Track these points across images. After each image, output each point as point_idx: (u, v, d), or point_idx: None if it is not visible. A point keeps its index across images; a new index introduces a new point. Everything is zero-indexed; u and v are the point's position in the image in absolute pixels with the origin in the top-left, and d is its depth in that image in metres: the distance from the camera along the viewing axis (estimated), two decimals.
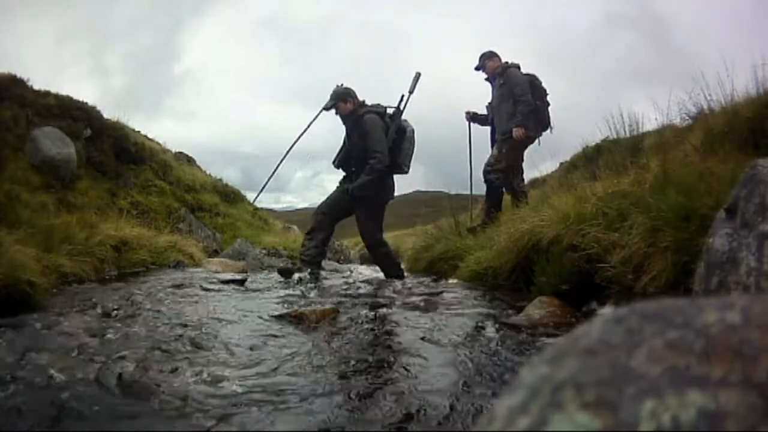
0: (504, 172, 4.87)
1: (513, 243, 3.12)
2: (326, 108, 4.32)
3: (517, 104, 4.76)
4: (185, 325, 2.10)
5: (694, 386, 0.31)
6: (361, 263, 8.98)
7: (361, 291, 3.29)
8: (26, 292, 2.37)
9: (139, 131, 9.78)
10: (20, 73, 7.62)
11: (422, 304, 2.72)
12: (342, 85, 4.29)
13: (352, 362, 1.64)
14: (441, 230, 5.65)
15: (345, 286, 3.56)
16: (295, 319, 2.23)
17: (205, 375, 1.45)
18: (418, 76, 4.31)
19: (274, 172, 5.29)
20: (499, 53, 5.22)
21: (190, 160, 11.37)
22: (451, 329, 2.08)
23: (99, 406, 1.19)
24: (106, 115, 8.50)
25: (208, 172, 11.28)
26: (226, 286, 3.45)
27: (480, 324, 2.17)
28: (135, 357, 1.58)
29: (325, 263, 5.06)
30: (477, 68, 5.26)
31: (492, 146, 5.19)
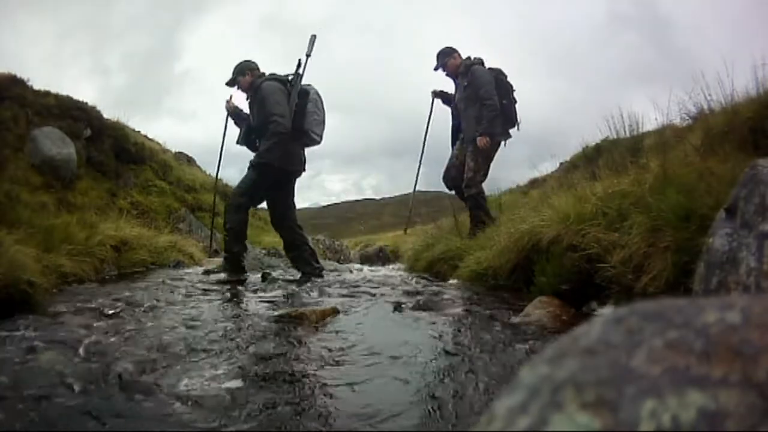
0: (480, 183, 4.65)
1: (513, 243, 3.12)
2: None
3: (483, 108, 4.50)
4: (185, 325, 2.10)
5: (694, 386, 0.31)
6: (361, 263, 8.99)
7: (360, 291, 3.28)
8: (26, 292, 2.37)
9: (139, 131, 9.80)
10: (20, 73, 7.64)
11: (422, 304, 2.72)
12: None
13: (352, 363, 1.64)
14: (441, 230, 5.64)
15: (345, 286, 3.55)
16: (295, 319, 2.23)
17: (205, 375, 1.45)
18: (313, 38, 4.11)
19: (220, 159, 5.34)
20: (458, 49, 4.78)
21: (190, 160, 11.40)
22: (450, 329, 2.08)
23: (99, 406, 1.19)
24: (106, 115, 8.52)
25: (208, 172, 11.29)
26: (226, 286, 3.45)
27: (480, 324, 2.17)
28: (135, 357, 1.58)
29: (325, 263, 5.05)
30: (436, 68, 4.80)
31: (453, 144, 4.91)
